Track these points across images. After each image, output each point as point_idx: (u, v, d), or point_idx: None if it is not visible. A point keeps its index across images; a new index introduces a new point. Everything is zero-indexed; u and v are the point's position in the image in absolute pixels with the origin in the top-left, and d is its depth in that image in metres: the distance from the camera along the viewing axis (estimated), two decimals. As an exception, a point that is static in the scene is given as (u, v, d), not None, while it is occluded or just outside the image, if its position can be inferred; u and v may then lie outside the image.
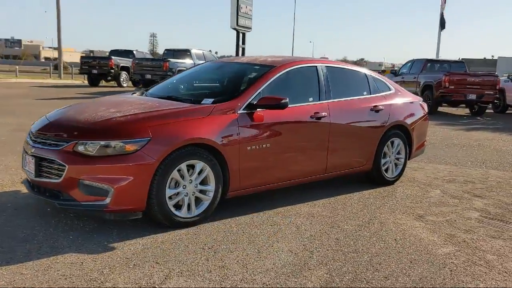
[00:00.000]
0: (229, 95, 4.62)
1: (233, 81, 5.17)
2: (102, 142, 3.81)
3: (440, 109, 17.31)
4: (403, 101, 6.12)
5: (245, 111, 4.47)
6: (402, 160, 6.08)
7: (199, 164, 4.15)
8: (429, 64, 17.28)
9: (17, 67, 29.28)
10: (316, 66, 5.28)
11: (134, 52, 24.82)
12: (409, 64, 18.11)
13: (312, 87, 5.21)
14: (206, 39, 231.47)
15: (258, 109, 4.53)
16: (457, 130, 12.12)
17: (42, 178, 4.03)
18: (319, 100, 5.14)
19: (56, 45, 34.03)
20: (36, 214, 4.34)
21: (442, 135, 10.99)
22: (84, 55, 44.56)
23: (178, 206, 4.13)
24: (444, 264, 3.58)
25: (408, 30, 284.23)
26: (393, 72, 19.12)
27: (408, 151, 6.13)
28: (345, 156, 5.42)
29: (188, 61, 21.20)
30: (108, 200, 3.78)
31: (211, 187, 4.26)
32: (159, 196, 3.92)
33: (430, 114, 15.26)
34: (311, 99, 5.12)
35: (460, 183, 6.20)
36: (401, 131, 5.98)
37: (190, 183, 4.13)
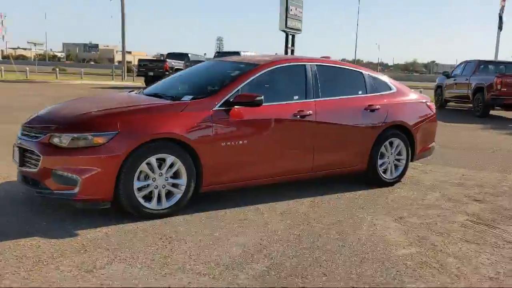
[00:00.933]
0: (211, 93, 4.74)
1: (218, 79, 5.27)
2: (74, 135, 4.05)
3: (495, 112, 16.45)
4: (405, 101, 5.97)
5: (221, 108, 4.57)
6: (403, 162, 5.91)
7: (170, 158, 4.29)
8: (481, 66, 16.47)
9: (82, 69, 31.00)
10: (304, 65, 5.28)
11: (189, 55, 25.55)
12: (462, 65, 17.36)
13: (298, 85, 5.21)
14: (270, 41, 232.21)
15: (235, 107, 4.62)
16: (502, 135, 11.52)
17: (24, 167, 4.34)
18: (306, 99, 5.14)
19: (129, 49, 35.66)
20: (27, 201, 4.66)
21: (482, 139, 10.50)
22: (148, 58, 46.25)
23: (149, 198, 4.29)
24: (395, 265, 3.50)
25: (484, 30, 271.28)
26: (446, 74, 18.39)
27: (410, 153, 5.95)
28: (334, 155, 5.37)
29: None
30: (77, 189, 4.02)
31: (182, 180, 4.39)
32: (127, 188, 4.11)
33: (481, 118, 14.73)
34: (296, 97, 5.13)
35: (467, 187, 5.94)
36: (401, 131, 5.83)
37: (160, 176, 4.28)
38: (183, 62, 23.84)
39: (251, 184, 4.94)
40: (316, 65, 5.37)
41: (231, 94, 4.66)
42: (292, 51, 21.91)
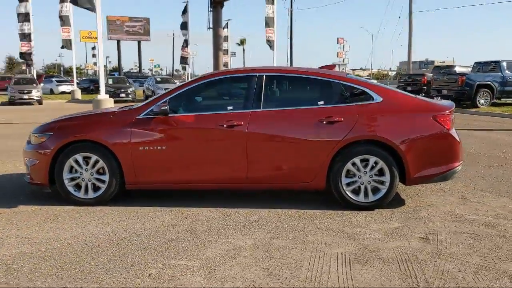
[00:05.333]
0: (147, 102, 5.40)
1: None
2: (36, 135, 5.43)
3: None
4: (390, 113, 5.06)
5: (145, 117, 5.17)
6: (387, 184, 5.02)
7: (93, 158, 5.19)
8: None
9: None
10: (250, 76, 5.24)
11: (456, 67, 23.70)
12: None
13: (237, 96, 5.26)
14: None
15: (160, 116, 5.14)
16: None
17: (30, 158, 5.97)
18: (243, 109, 5.13)
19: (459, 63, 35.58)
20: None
21: None
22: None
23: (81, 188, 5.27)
24: (84, 263, 3.57)
25: None
26: None
27: (398, 174, 5.00)
28: (275, 168, 5.10)
29: (494, 74, 18.95)
30: (29, 176, 5.39)
31: (106, 177, 5.22)
32: (59, 178, 5.23)
33: None
34: (230, 107, 5.19)
35: (464, 224, 4.61)
36: (382, 148, 5.00)
37: (86, 171, 5.23)
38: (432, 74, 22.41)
39: (181, 188, 5.30)
40: (267, 75, 5.23)
41: (158, 104, 5.18)
42: None
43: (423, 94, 22.87)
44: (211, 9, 35.66)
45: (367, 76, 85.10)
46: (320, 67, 6.44)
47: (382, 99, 5.12)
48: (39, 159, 5.27)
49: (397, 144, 4.94)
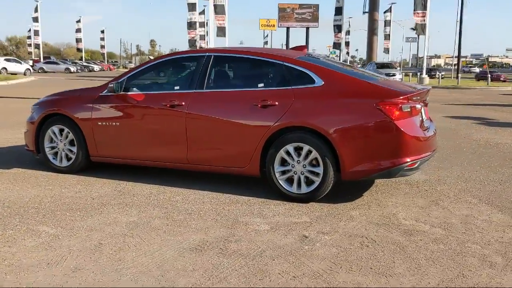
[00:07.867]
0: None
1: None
2: (32, 107, 6.17)
3: None
4: (330, 98, 4.56)
5: (105, 94, 5.51)
6: (321, 176, 4.58)
7: (65, 130, 5.72)
8: None
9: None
10: (200, 56, 5.18)
11: None
12: None
13: (185, 76, 5.25)
14: None
15: (116, 93, 5.44)
16: None
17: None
18: (188, 90, 5.12)
19: None
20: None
21: None
22: None
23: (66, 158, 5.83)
24: None
25: None
26: None
27: (332, 167, 4.53)
28: (211, 151, 4.99)
29: None
30: (26, 143, 6.17)
31: (75, 148, 5.71)
32: (42, 147, 5.88)
33: None
34: (177, 87, 5.21)
35: (382, 228, 4.02)
36: (316, 137, 4.56)
37: (61, 142, 5.78)
38: None
39: (136, 163, 5.50)
40: (215, 56, 5.12)
41: (112, 82, 5.47)
42: None
43: None
44: (368, -8, 34.59)
45: None
46: (291, 48, 5.99)
47: (323, 82, 4.64)
48: (29, 129, 5.98)
49: (330, 133, 4.46)
